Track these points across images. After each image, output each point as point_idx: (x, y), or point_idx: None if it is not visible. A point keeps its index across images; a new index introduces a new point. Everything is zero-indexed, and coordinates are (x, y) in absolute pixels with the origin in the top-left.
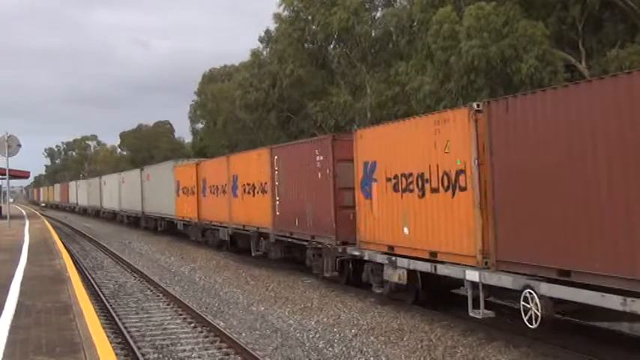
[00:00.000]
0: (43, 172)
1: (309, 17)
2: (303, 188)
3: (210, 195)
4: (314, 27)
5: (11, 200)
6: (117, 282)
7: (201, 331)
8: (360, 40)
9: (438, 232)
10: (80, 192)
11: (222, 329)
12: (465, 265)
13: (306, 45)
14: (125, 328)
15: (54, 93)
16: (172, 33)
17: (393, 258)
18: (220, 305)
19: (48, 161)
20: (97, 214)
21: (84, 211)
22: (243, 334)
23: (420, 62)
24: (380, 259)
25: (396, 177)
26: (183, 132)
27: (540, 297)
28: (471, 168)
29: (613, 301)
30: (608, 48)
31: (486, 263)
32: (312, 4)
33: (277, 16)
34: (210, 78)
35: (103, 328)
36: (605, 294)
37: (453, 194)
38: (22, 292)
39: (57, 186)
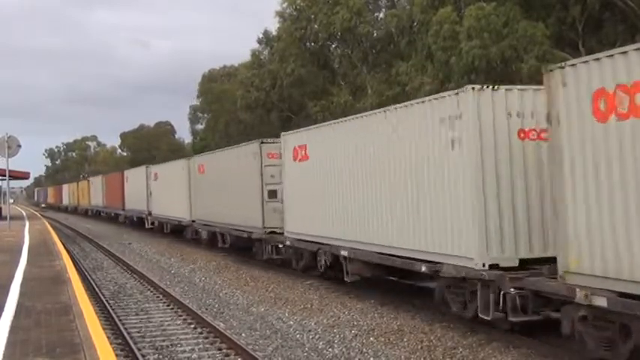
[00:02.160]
0: (43, 173)
1: (312, 16)
2: None
3: None
4: (316, 26)
5: (11, 201)
6: (117, 283)
7: (201, 332)
8: (361, 41)
9: None
10: (159, 189)
11: (222, 330)
12: None
13: (307, 44)
14: (125, 329)
15: (54, 93)
16: (172, 33)
17: None
18: (220, 306)
19: (48, 162)
20: (223, 240)
21: (174, 230)
22: (243, 334)
23: (420, 62)
24: None
25: None
26: (184, 133)
27: None
28: None
29: None
30: (608, 48)
31: None
32: (315, 3)
33: (280, 14)
34: (210, 78)
35: (103, 328)
36: None
37: None
38: (22, 293)
39: (97, 180)
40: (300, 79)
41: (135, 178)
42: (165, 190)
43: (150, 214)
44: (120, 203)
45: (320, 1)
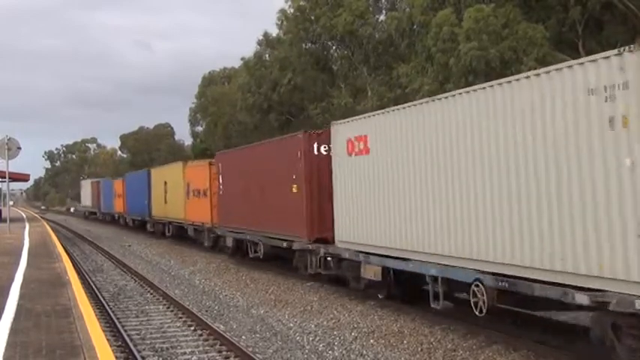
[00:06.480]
0: (42, 175)
1: (312, 17)
2: None
3: None
4: (318, 28)
5: (11, 203)
6: (117, 285)
7: (201, 334)
8: (362, 43)
9: None
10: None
11: (222, 332)
12: None
13: (309, 45)
14: (125, 331)
15: (54, 95)
16: (173, 34)
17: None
18: (220, 308)
19: (48, 164)
20: None
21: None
22: (243, 337)
23: (420, 64)
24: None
25: None
26: (184, 134)
27: None
28: None
29: None
30: (609, 49)
31: None
32: (318, 5)
33: (284, 13)
34: (210, 80)
35: (103, 331)
36: None
37: None
38: (22, 295)
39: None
40: (297, 87)
41: None
42: None
43: None
44: None
45: (322, 3)
